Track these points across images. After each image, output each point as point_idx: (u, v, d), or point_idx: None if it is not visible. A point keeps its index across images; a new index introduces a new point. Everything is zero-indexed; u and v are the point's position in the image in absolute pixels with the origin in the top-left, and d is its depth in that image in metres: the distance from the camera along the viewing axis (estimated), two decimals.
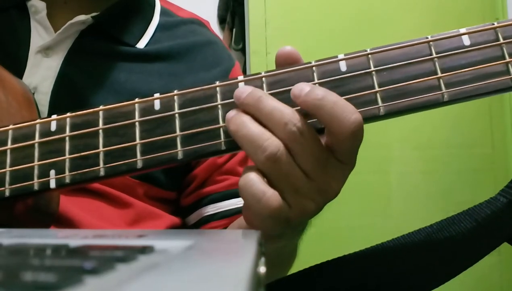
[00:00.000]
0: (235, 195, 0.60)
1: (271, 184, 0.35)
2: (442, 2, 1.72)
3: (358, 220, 1.57)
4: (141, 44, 0.61)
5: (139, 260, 0.19)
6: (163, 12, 0.66)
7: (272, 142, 0.34)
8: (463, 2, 1.73)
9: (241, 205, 0.61)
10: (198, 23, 0.68)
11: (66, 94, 0.56)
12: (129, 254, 0.20)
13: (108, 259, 0.18)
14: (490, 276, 1.62)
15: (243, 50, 1.87)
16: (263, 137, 0.34)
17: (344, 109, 0.34)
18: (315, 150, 0.34)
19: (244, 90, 0.36)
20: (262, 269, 0.21)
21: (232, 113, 0.36)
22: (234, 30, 1.94)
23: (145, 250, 0.21)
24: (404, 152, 1.66)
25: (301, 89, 0.34)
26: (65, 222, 0.51)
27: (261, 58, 1.65)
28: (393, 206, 1.64)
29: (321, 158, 0.34)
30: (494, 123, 1.72)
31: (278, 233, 0.37)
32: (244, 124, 0.34)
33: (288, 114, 0.34)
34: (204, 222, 0.60)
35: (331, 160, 0.35)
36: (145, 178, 0.57)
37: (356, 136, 0.34)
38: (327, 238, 1.43)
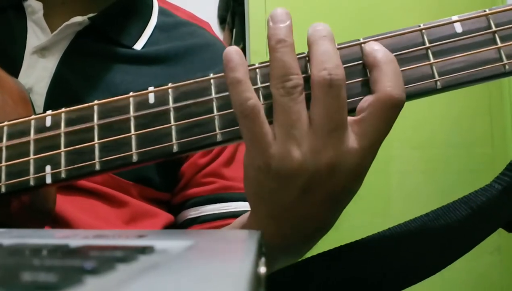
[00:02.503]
0: (219, 200, 0.60)
1: (274, 113, 0.35)
2: (442, 1, 1.72)
3: (358, 220, 1.56)
4: (139, 46, 0.61)
5: (139, 260, 0.19)
6: (161, 12, 0.66)
7: (296, 78, 0.34)
8: (463, 2, 1.73)
9: (224, 211, 0.61)
10: (197, 25, 0.68)
11: (61, 95, 0.56)
12: (129, 254, 0.20)
13: (108, 259, 0.18)
14: (490, 275, 1.62)
15: (243, 50, 1.87)
16: (293, 70, 0.35)
17: (399, 80, 0.35)
18: (334, 108, 0.34)
19: (318, 25, 0.37)
20: (262, 269, 0.21)
21: (281, 31, 0.36)
22: (234, 30, 1.95)
23: (145, 250, 0.21)
24: (404, 152, 1.67)
25: (373, 47, 0.36)
26: (60, 221, 0.51)
27: (261, 58, 1.65)
28: (393, 205, 1.64)
29: (335, 120, 0.34)
30: (494, 123, 1.72)
31: (255, 179, 0.37)
32: (285, 49, 0.35)
33: (332, 63, 0.35)
34: (187, 225, 0.60)
35: (343, 130, 0.35)
36: (139, 179, 0.57)
37: (390, 109, 0.34)
38: (327, 238, 1.43)
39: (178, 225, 0.62)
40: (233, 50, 0.36)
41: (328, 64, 0.34)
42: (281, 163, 0.35)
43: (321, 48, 0.35)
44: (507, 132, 1.73)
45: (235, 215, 0.58)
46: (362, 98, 0.36)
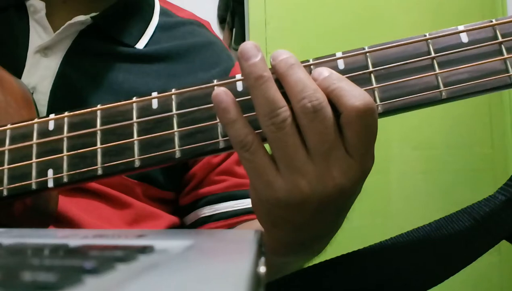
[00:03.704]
0: (232, 197, 0.60)
1: (271, 149, 0.36)
2: (442, 1, 1.72)
3: (358, 220, 1.56)
4: (140, 45, 0.61)
5: (139, 260, 0.19)
6: (163, 12, 0.66)
7: (283, 112, 0.34)
8: (462, 2, 1.73)
9: (238, 208, 0.62)
10: (197, 24, 0.68)
11: (64, 94, 0.56)
12: (129, 254, 0.20)
13: (108, 259, 0.18)
14: (490, 275, 1.62)
15: None
16: (278, 104, 0.34)
17: (353, 91, 0.35)
18: (324, 131, 0.34)
19: (280, 54, 0.36)
20: (262, 269, 0.21)
21: (256, 68, 0.35)
22: (234, 30, 1.94)
23: (145, 250, 0.21)
24: (404, 152, 1.66)
25: (320, 73, 0.36)
26: (64, 222, 0.51)
27: None
28: (393, 206, 1.64)
29: (328, 141, 0.34)
30: (494, 123, 1.72)
31: (265, 212, 0.38)
32: (266, 85, 0.35)
33: (309, 89, 0.34)
34: (201, 223, 0.60)
35: (338, 149, 0.35)
36: (143, 178, 0.57)
37: (364, 120, 0.34)
38: None
39: (188, 225, 0.62)
40: (221, 92, 0.36)
41: (306, 92, 0.34)
42: (290, 195, 0.35)
43: (293, 78, 0.35)
44: (507, 133, 1.73)
45: (248, 211, 0.59)
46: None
